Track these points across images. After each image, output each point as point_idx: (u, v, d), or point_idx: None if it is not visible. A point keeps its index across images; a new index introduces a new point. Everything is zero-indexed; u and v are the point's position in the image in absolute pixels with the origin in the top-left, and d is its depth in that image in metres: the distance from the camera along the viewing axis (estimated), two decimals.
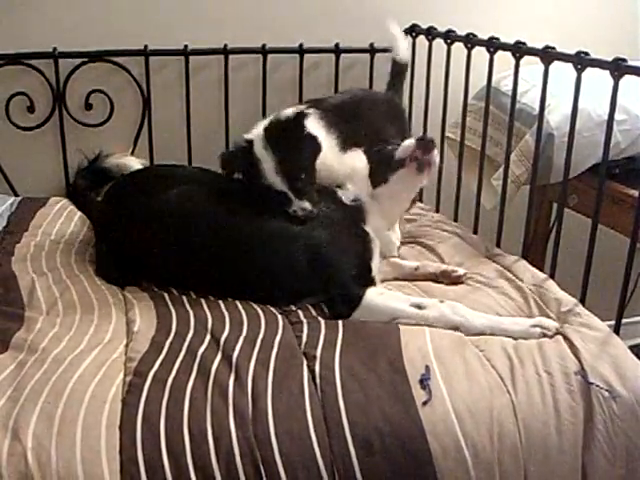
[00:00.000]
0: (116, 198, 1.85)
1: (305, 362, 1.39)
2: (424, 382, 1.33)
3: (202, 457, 1.18)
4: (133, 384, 1.31)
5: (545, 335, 1.49)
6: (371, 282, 1.65)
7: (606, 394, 1.36)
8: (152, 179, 1.86)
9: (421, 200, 2.36)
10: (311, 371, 1.36)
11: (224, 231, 1.66)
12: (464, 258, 1.89)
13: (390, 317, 1.54)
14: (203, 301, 1.63)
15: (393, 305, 1.56)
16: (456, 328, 1.51)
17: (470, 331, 1.50)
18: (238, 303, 1.61)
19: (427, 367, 1.37)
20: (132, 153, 2.33)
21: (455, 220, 2.20)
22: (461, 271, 1.77)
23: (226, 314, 1.56)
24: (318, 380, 1.33)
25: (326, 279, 1.63)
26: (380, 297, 1.59)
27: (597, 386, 1.36)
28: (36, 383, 1.30)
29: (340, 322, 1.54)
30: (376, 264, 1.73)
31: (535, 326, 1.51)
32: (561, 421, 1.32)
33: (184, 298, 1.64)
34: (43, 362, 1.37)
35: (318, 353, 1.41)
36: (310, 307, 1.62)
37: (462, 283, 1.74)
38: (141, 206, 1.73)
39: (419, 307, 1.55)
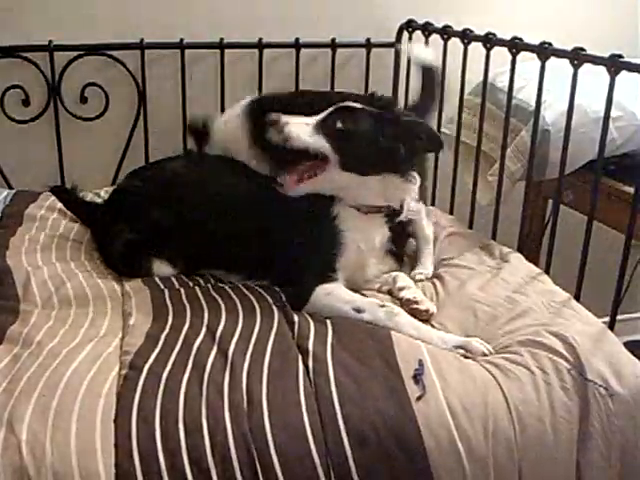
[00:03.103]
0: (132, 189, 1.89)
1: (300, 356, 1.39)
2: (417, 377, 1.33)
3: (197, 451, 1.18)
4: (128, 378, 1.31)
5: (467, 357, 1.44)
6: (329, 278, 1.65)
7: (603, 391, 1.36)
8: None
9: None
10: (305, 365, 1.36)
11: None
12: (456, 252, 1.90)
13: (335, 315, 1.56)
14: (200, 294, 1.63)
15: (337, 306, 1.58)
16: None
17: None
18: (234, 295, 1.62)
19: (420, 362, 1.37)
20: (127, 147, 2.33)
21: (450, 215, 2.20)
22: (428, 306, 1.64)
23: (222, 307, 1.56)
24: (312, 375, 1.34)
25: (283, 270, 1.68)
26: (326, 297, 1.61)
27: (594, 383, 1.36)
28: (31, 376, 1.30)
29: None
30: (347, 260, 1.69)
31: (459, 347, 1.47)
32: (556, 418, 1.32)
33: (181, 291, 1.64)
34: (38, 355, 1.37)
35: (310, 347, 1.41)
36: None
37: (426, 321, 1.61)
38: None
39: (358, 311, 1.56)
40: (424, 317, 1.61)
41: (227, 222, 1.76)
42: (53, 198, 2.13)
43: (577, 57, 1.68)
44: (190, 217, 1.78)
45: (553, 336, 1.46)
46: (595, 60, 1.64)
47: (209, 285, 1.70)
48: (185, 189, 1.82)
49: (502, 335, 1.51)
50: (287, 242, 1.69)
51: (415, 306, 1.63)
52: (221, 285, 1.70)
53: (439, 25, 2.22)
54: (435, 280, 1.79)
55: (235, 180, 1.83)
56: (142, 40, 2.23)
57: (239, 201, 1.79)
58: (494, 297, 1.64)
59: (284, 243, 1.69)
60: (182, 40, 2.25)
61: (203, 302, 1.59)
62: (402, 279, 1.75)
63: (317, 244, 1.69)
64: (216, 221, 1.77)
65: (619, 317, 1.68)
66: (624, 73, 1.57)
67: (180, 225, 1.77)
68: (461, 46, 2.09)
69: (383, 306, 1.58)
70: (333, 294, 1.62)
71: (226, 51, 2.30)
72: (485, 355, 1.45)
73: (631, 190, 1.67)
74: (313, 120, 1.66)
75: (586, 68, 1.68)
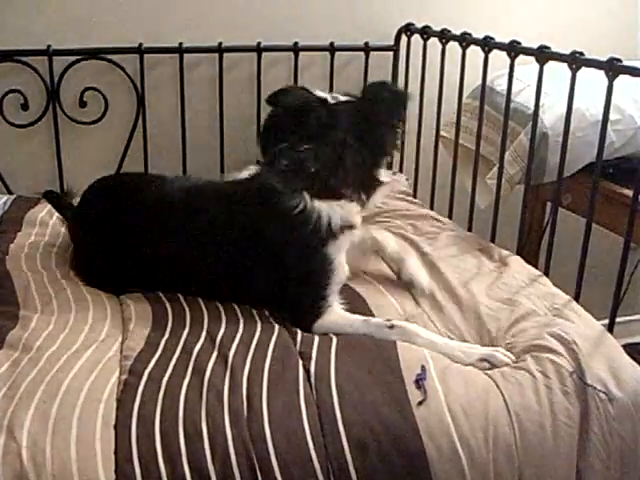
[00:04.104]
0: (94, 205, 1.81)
1: (300, 362, 1.39)
2: (419, 382, 1.33)
3: (197, 457, 1.18)
4: (128, 383, 1.31)
5: (491, 368, 1.41)
6: (323, 309, 1.55)
7: (603, 396, 1.36)
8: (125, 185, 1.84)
9: (415, 196, 2.37)
10: (306, 371, 1.36)
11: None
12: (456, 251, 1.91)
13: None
14: (199, 298, 1.62)
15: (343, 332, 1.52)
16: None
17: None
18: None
19: (423, 367, 1.37)
20: (126, 151, 2.33)
21: (449, 219, 2.20)
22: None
23: (222, 312, 1.56)
24: (313, 380, 1.34)
25: (283, 305, 1.59)
26: (329, 330, 1.52)
27: (594, 388, 1.36)
28: (31, 381, 1.30)
29: None
30: (337, 282, 1.61)
31: (484, 360, 1.43)
32: (557, 423, 1.32)
33: (180, 296, 1.64)
34: (38, 360, 1.37)
35: (314, 354, 1.41)
36: None
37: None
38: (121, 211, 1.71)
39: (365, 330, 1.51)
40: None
41: (204, 254, 1.62)
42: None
43: (575, 60, 1.68)
44: (166, 250, 1.64)
45: (555, 339, 1.46)
46: (593, 63, 1.64)
47: None
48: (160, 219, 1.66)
49: (505, 339, 1.51)
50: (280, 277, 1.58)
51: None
52: None
53: (437, 29, 2.23)
54: (435, 284, 1.78)
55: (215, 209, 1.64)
56: (141, 45, 2.23)
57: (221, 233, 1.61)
58: (495, 300, 1.64)
59: (276, 278, 1.57)
60: (181, 44, 2.25)
61: (203, 306, 1.59)
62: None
63: (308, 277, 1.58)
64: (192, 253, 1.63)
65: (618, 320, 1.68)
66: (622, 76, 1.57)
67: (153, 260, 1.66)
68: (459, 49, 2.09)
69: (392, 327, 1.49)
70: (333, 326, 1.54)
71: (225, 55, 2.30)
72: (508, 365, 1.42)
73: (629, 193, 1.67)
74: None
75: (585, 71, 1.68)
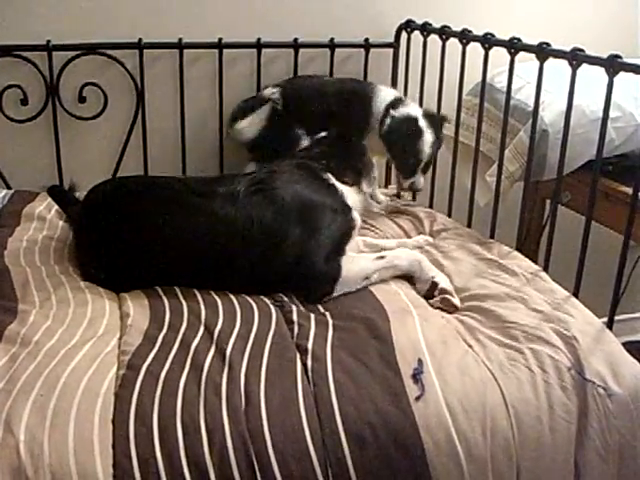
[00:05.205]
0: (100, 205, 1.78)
1: (298, 356, 1.39)
2: (417, 376, 1.33)
3: (195, 451, 1.18)
4: (126, 378, 1.31)
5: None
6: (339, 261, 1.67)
7: (602, 391, 1.36)
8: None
9: (414, 198, 2.37)
10: (304, 364, 1.36)
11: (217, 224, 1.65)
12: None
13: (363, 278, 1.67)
14: (196, 292, 1.62)
15: (360, 276, 1.67)
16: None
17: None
18: (232, 294, 1.61)
19: (420, 360, 1.37)
20: (125, 146, 2.33)
21: (449, 216, 2.20)
22: (457, 301, 1.65)
23: (220, 306, 1.56)
24: (310, 374, 1.34)
25: (306, 261, 1.65)
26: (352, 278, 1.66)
27: (593, 383, 1.36)
28: (29, 376, 1.30)
29: (329, 314, 1.55)
30: (352, 244, 1.78)
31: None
32: (554, 418, 1.33)
33: (177, 290, 1.63)
34: (36, 355, 1.36)
35: (310, 346, 1.41)
36: (298, 300, 1.62)
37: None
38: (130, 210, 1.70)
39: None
40: (450, 310, 1.62)
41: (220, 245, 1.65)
42: (50, 199, 2.12)
43: (575, 57, 1.68)
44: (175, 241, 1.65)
45: (554, 333, 1.46)
46: (593, 61, 1.64)
47: None
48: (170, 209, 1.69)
49: (505, 327, 1.51)
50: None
51: (448, 297, 1.64)
52: None
53: (438, 25, 2.22)
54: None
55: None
56: (140, 40, 2.22)
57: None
58: (496, 292, 1.64)
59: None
60: (180, 40, 2.25)
61: (200, 300, 1.59)
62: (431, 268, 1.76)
63: (334, 229, 1.72)
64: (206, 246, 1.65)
65: (617, 317, 1.68)
66: (623, 74, 1.57)
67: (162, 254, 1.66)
68: (460, 46, 2.09)
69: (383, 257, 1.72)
70: (351, 273, 1.66)
71: (224, 51, 2.29)
72: (456, 308, 1.60)
73: (629, 190, 1.67)
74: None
75: (585, 68, 1.68)
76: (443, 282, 1.68)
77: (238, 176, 1.80)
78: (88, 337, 1.44)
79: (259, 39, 2.31)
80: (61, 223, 1.98)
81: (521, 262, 1.81)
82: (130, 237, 1.67)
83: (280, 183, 1.75)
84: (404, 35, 2.40)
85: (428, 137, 2.06)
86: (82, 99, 2.25)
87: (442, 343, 1.44)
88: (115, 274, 1.69)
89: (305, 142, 2.11)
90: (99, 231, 1.72)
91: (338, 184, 1.85)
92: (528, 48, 1.84)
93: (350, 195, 1.86)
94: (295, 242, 1.64)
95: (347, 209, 1.79)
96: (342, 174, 1.90)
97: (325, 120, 2.11)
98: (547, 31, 2.00)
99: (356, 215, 1.81)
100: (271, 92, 2.20)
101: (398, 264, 1.72)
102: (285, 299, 1.62)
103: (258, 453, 1.19)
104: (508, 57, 1.91)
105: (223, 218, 1.64)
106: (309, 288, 1.63)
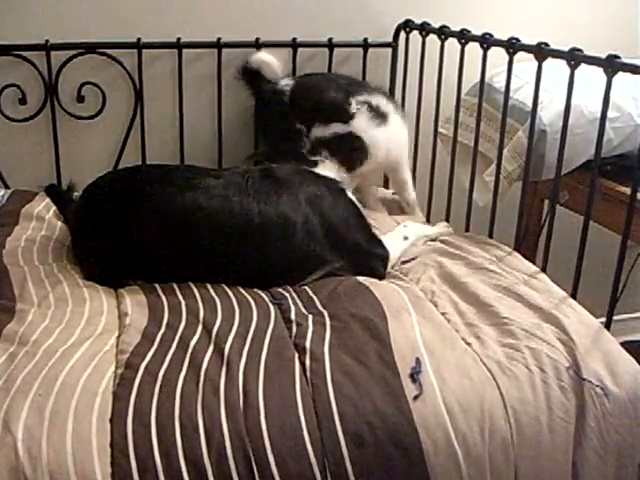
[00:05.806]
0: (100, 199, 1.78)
1: (297, 355, 1.39)
2: (415, 376, 1.33)
3: (193, 450, 1.18)
4: (124, 377, 1.30)
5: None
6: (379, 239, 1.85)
7: (599, 391, 1.36)
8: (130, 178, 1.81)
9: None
10: (302, 364, 1.36)
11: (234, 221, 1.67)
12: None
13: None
14: (195, 290, 1.62)
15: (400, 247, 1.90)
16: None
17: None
18: (230, 292, 1.61)
19: (418, 360, 1.37)
20: (123, 146, 2.33)
21: (447, 216, 2.20)
22: None
23: (218, 304, 1.56)
24: (309, 373, 1.34)
25: (349, 249, 1.79)
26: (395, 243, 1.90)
27: (590, 382, 1.36)
28: (27, 375, 1.29)
29: (327, 313, 1.54)
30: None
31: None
32: (553, 418, 1.32)
33: (175, 288, 1.63)
34: (34, 354, 1.36)
35: (308, 345, 1.41)
36: (297, 298, 1.62)
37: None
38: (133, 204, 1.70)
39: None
40: None
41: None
42: (49, 198, 2.12)
43: (574, 57, 1.68)
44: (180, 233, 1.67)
45: (552, 333, 1.46)
46: (592, 60, 1.64)
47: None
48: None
49: (503, 323, 1.51)
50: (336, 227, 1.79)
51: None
52: None
53: (436, 25, 2.22)
54: (433, 277, 1.77)
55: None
56: (139, 39, 2.22)
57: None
58: (493, 291, 1.64)
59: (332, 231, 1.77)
60: (179, 39, 2.25)
61: (199, 299, 1.58)
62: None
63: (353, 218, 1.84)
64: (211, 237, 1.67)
65: (615, 317, 1.67)
66: (621, 74, 1.57)
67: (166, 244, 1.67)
68: (458, 46, 2.09)
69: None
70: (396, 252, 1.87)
71: (223, 50, 2.29)
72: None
73: (627, 190, 1.67)
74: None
75: (583, 68, 1.68)
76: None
77: (228, 170, 1.84)
78: (86, 336, 1.44)
79: (257, 39, 2.31)
80: (59, 224, 1.98)
81: (519, 262, 1.81)
82: (130, 227, 1.68)
83: (286, 171, 1.83)
84: (403, 35, 2.40)
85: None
86: (81, 98, 2.25)
87: (440, 342, 1.44)
88: (114, 266, 1.69)
89: (305, 140, 2.08)
90: (98, 222, 1.72)
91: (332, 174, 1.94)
92: (526, 48, 1.84)
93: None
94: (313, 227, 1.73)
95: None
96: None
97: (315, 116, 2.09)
98: (546, 31, 2.00)
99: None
100: (285, 83, 2.19)
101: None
102: (285, 294, 1.62)
103: (256, 452, 1.19)
104: (506, 57, 1.91)
105: (222, 210, 1.66)
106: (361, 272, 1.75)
